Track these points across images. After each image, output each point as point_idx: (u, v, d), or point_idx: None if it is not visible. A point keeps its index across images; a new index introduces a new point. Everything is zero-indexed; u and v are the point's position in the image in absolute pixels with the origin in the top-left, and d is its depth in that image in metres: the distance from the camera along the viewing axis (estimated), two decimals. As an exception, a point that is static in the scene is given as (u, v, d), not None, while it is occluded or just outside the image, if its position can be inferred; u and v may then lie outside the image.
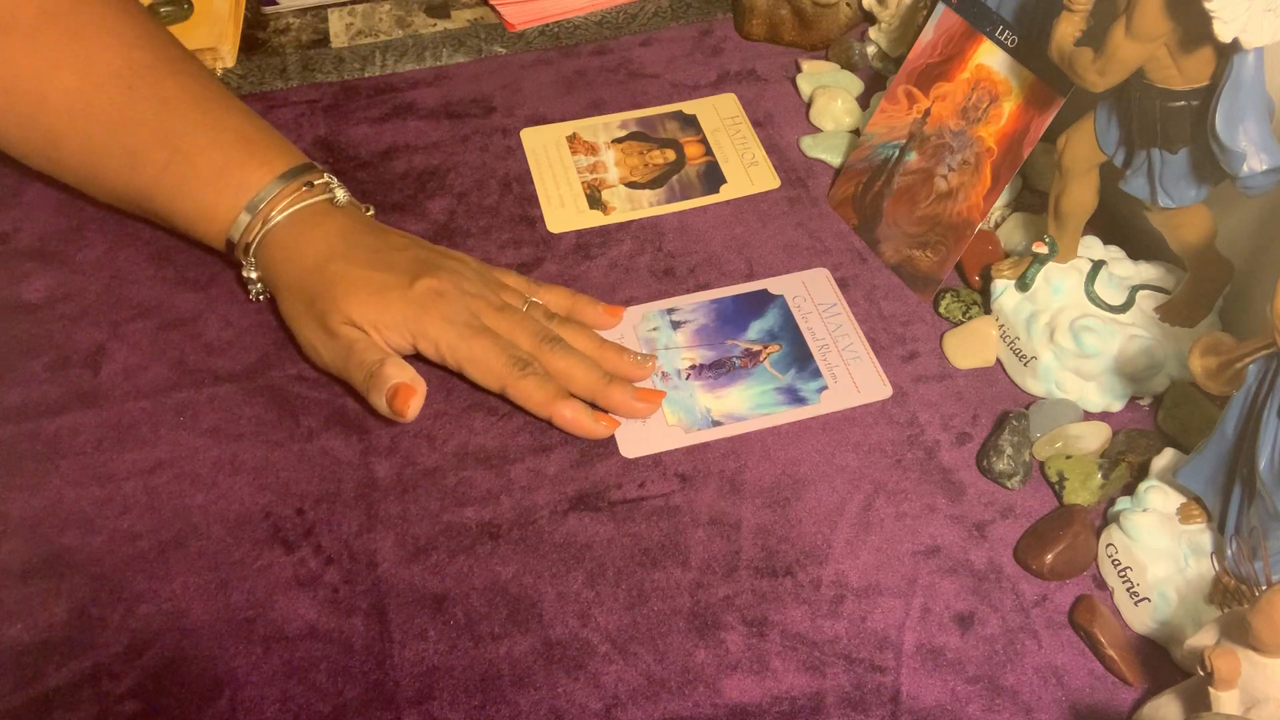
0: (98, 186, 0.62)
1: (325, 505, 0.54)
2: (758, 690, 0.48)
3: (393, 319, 0.56)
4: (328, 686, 0.48)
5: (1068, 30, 0.49)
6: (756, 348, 0.60)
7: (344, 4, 0.82)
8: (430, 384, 0.58)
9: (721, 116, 0.74)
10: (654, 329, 0.61)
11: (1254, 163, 0.46)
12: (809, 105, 0.73)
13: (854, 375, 0.59)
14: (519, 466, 0.55)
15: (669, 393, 0.58)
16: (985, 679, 0.48)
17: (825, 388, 0.59)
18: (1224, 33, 0.42)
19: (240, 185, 0.58)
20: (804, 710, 0.47)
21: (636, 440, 0.56)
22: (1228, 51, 0.44)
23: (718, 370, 0.59)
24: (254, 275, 0.59)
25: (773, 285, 0.64)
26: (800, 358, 0.60)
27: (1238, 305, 0.56)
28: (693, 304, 0.62)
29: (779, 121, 0.73)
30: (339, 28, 0.80)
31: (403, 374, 0.55)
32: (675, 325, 0.61)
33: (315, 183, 0.59)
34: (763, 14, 0.77)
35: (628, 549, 0.52)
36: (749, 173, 0.70)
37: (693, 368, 0.59)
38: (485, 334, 0.56)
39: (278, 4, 0.81)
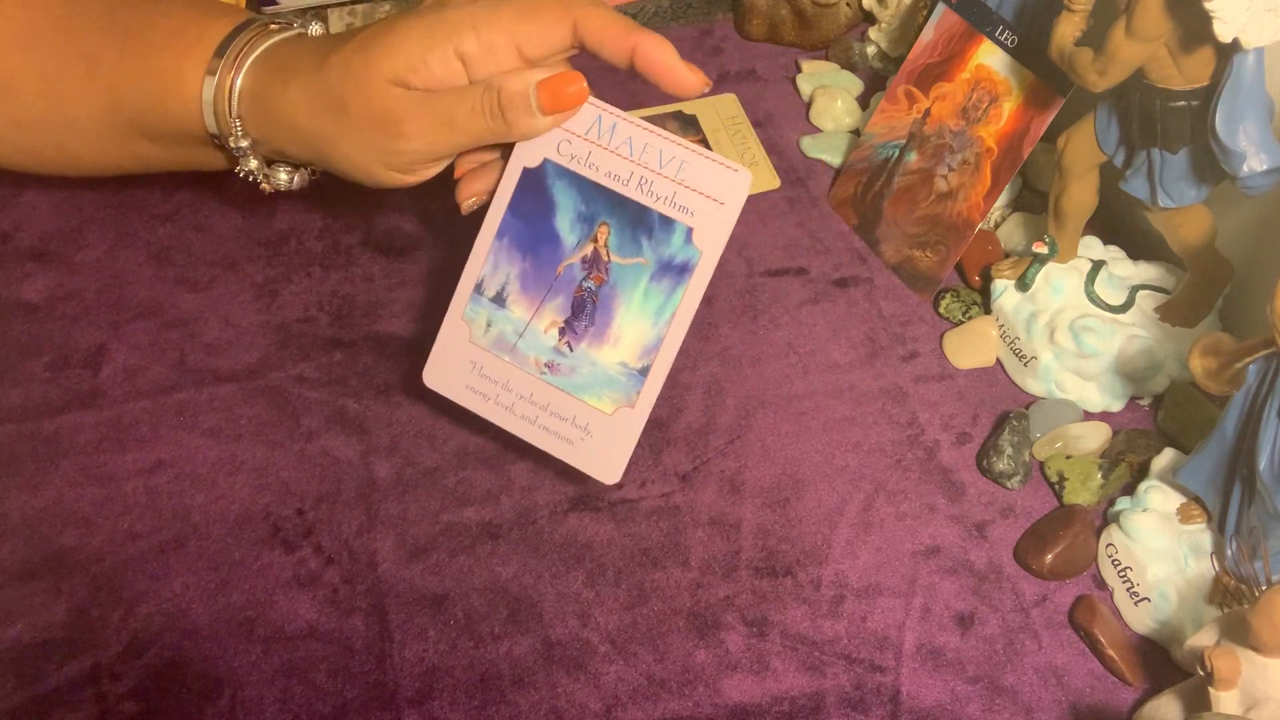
0: (64, 123, 0.54)
1: (325, 505, 0.54)
2: (758, 690, 0.48)
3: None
4: (328, 686, 0.48)
5: (1068, 30, 0.49)
6: (588, 247, 0.47)
7: (344, 4, 0.82)
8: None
9: (722, 117, 0.73)
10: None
11: (1254, 163, 0.46)
12: (809, 105, 0.73)
13: (704, 189, 0.46)
14: (519, 466, 0.55)
15: (574, 382, 0.48)
16: (985, 679, 0.48)
17: (691, 229, 0.46)
18: (1224, 33, 0.42)
19: (200, 38, 0.52)
20: (804, 710, 0.47)
21: (609, 463, 0.48)
22: (1228, 51, 0.44)
23: (581, 311, 0.47)
24: (245, 144, 0.52)
25: (523, 160, 0.47)
26: (634, 219, 0.46)
27: (1238, 305, 0.56)
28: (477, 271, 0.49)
29: (779, 121, 0.73)
30: (339, 27, 0.80)
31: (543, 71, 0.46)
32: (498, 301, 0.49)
33: (280, 24, 0.54)
34: (763, 14, 0.77)
35: (628, 549, 0.52)
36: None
37: (561, 331, 0.48)
38: None
39: (278, 4, 0.81)
